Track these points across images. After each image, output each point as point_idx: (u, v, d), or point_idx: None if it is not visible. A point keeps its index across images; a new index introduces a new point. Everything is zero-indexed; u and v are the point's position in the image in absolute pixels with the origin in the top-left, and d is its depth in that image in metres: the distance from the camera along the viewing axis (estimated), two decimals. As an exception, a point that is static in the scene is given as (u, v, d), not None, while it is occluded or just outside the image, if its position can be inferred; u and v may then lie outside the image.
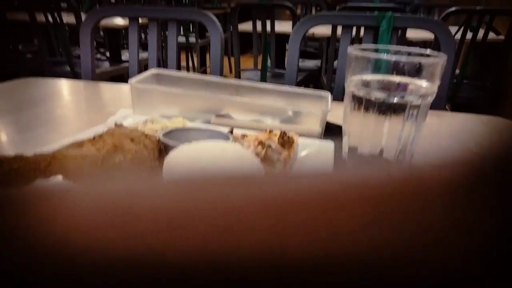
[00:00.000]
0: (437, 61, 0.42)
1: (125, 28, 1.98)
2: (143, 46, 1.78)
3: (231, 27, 2.01)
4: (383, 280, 0.09)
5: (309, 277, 0.09)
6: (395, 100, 0.43)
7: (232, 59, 2.06)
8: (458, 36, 1.66)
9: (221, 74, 0.99)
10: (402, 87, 0.43)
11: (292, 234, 0.09)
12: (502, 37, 1.77)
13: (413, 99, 0.43)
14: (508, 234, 0.09)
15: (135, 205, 0.09)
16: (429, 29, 0.91)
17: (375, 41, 0.99)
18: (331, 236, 0.09)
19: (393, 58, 0.41)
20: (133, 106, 0.64)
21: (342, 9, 1.80)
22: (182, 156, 0.33)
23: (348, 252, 0.09)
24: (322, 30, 1.82)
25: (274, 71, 2.10)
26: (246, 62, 2.25)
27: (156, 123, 0.53)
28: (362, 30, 1.18)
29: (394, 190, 0.09)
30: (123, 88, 0.87)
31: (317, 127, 0.59)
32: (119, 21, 1.97)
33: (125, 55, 2.26)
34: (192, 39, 2.75)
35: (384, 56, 0.43)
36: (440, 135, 0.65)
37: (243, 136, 0.48)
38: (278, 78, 2.02)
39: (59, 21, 1.88)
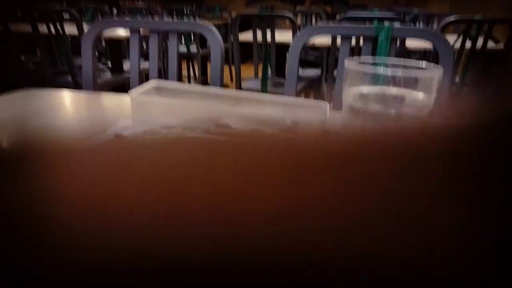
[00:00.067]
0: (432, 75, 0.42)
1: (127, 39, 1.99)
2: (145, 55, 1.79)
3: (232, 36, 2.02)
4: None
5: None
6: (392, 112, 0.43)
7: (233, 68, 2.08)
8: (458, 44, 1.67)
9: (221, 84, 0.99)
10: (399, 99, 0.43)
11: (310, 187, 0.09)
12: (501, 46, 1.78)
13: (409, 111, 0.43)
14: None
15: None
16: (427, 39, 0.91)
17: (374, 50, 0.99)
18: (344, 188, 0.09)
19: (389, 72, 0.42)
20: (133, 117, 0.64)
21: (342, 20, 1.82)
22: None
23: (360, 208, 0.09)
24: (322, 40, 1.84)
25: (274, 79, 2.11)
26: (247, 70, 2.26)
27: (156, 133, 0.54)
28: (362, 39, 1.19)
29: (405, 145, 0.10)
30: (124, 99, 0.87)
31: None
32: (121, 32, 1.99)
33: (126, 65, 2.28)
34: (194, 49, 2.76)
35: (379, 70, 0.43)
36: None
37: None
38: (278, 86, 2.03)
39: (61, 32, 1.90)
